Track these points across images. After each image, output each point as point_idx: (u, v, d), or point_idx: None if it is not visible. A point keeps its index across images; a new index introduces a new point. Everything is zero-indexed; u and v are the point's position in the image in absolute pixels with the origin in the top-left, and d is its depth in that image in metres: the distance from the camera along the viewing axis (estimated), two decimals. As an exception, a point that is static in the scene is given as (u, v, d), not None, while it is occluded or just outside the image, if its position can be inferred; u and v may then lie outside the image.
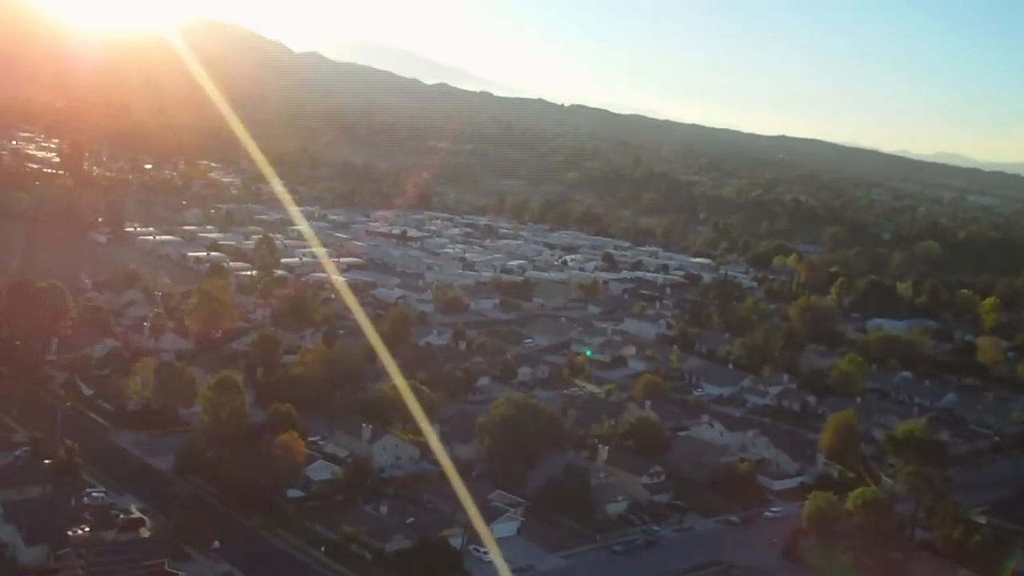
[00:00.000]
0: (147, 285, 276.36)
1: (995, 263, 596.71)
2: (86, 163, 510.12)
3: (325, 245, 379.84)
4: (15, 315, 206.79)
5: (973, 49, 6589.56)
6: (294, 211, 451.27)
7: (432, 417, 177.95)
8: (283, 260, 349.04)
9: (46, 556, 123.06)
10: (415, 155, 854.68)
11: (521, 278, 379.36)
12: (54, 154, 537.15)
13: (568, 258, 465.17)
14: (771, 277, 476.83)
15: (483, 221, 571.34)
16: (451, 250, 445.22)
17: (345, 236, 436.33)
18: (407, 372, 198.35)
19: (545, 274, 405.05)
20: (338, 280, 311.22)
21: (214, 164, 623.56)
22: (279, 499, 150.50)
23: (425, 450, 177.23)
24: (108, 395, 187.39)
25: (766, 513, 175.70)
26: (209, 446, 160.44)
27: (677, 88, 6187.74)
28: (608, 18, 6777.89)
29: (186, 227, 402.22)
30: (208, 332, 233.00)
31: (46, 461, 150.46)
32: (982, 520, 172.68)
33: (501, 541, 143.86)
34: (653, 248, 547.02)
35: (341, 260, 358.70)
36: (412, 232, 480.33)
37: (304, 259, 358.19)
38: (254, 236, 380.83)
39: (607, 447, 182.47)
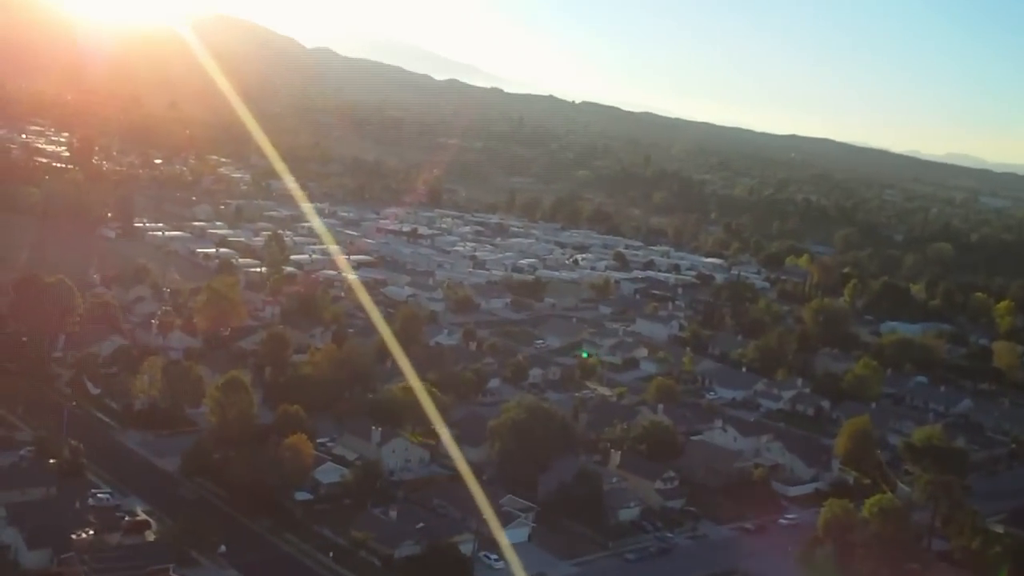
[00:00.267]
0: (156, 281, 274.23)
1: (1008, 265, 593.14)
2: (96, 157, 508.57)
3: (335, 242, 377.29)
4: (22, 311, 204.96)
5: (983, 49, 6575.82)
6: (306, 207, 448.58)
7: (442, 419, 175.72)
8: (293, 257, 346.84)
9: (49, 560, 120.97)
10: (425, 151, 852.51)
11: (532, 277, 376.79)
12: (64, 148, 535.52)
13: (579, 257, 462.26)
14: (783, 278, 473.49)
15: (494, 219, 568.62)
16: (461, 248, 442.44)
17: (355, 233, 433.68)
18: (417, 373, 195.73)
19: (556, 273, 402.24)
20: (349, 278, 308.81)
21: (224, 159, 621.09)
22: (287, 502, 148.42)
23: (435, 453, 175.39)
24: (115, 394, 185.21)
25: (781, 520, 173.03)
26: (216, 447, 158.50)
27: (687, 86, 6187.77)
28: (618, 15, 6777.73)
29: (195, 223, 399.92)
30: (216, 330, 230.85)
31: (51, 461, 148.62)
32: (999, 529, 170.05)
33: (512, 547, 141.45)
34: (665, 247, 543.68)
35: (351, 257, 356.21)
36: (422, 229, 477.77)
37: (314, 256, 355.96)
38: (264, 232, 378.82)
39: (619, 452, 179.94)
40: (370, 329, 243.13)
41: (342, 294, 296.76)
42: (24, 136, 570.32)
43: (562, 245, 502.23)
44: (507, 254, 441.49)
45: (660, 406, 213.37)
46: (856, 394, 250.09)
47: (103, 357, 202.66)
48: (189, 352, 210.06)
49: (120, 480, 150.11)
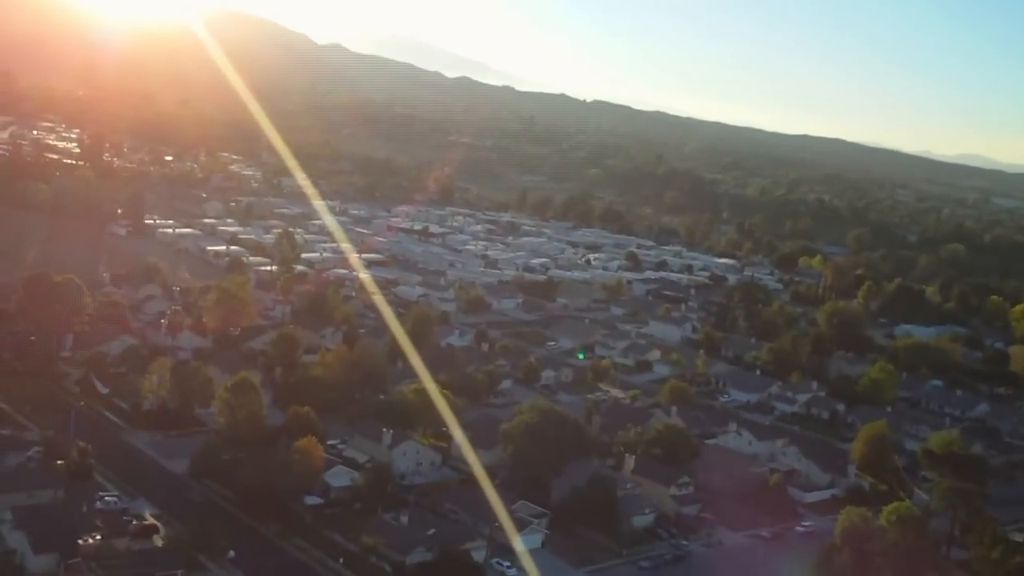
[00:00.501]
0: (165, 280, 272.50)
1: (1021, 267, 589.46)
2: (107, 154, 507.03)
3: (346, 240, 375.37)
4: (31, 309, 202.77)
5: (995, 50, 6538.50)
6: (317, 204, 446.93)
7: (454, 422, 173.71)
8: (303, 255, 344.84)
9: (55, 565, 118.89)
10: (436, 149, 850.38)
11: (544, 277, 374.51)
12: (75, 144, 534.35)
13: (591, 257, 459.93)
14: (797, 279, 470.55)
15: (505, 217, 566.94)
16: (473, 247, 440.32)
17: (366, 231, 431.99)
18: (428, 374, 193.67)
19: (568, 273, 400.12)
20: (360, 277, 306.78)
21: (235, 156, 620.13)
22: (297, 506, 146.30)
23: (447, 456, 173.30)
24: (123, 394, 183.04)
25: (797, 527, 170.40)
26: (225, 449, 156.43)
27: (699, 86, 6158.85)
28: (630, 15, 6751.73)
29: (206, 220, 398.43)
30: (226, 330, 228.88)
31: (59, 462, 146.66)
32: (1019, 538, 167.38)
33: (525, 554, 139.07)
34: (677, 247, 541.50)
35: (362, 256, 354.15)
36: (434, 228, 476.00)
37: (325, 254, 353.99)
38: (274, 230, 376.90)
39: (633, 456, 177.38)
40: (381, 329, 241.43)
41: (353, 293, 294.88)
42: (35, 132, 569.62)
43: (574, 244, 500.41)
44: (519, 253, 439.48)
45: (674, 409, 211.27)
46: (871, 398, 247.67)
47: (112, 356, 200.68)
48: (198, 352, 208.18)
49: (128, 482, 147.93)
